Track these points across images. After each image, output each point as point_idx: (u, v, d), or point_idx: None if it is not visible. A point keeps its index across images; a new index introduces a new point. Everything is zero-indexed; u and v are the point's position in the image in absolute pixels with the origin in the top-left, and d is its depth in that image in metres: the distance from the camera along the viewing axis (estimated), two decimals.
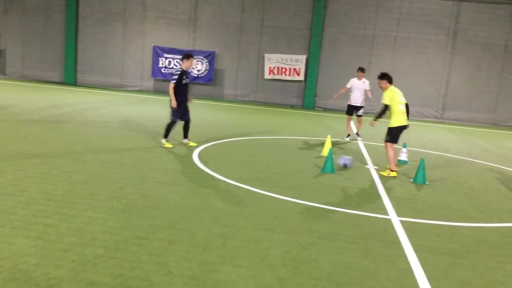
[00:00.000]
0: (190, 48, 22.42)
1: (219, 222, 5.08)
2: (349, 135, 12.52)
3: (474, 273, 4.31)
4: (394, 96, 8.36)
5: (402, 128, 8.40)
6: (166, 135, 9.26)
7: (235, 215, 5.36)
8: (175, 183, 6.55)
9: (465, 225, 5.82)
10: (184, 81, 9.12)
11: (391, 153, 8.36)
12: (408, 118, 8.60)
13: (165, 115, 14.32)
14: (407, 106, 8.57)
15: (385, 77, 8.61)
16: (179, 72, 9.10)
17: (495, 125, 21.81)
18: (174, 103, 9.03)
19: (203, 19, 22.83)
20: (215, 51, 22.47)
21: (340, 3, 21.95)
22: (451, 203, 6.82)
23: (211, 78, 22.63)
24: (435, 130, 18.00)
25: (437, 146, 12.89)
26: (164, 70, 22.37)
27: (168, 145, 9.21)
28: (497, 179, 9.04)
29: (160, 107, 16.55)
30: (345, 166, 8.58)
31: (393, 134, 8.40)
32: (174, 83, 8.99)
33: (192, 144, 9.62)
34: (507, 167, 10.33)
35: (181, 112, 9.25)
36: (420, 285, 3.96)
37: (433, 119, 22.08)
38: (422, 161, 8.04)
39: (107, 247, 4.17)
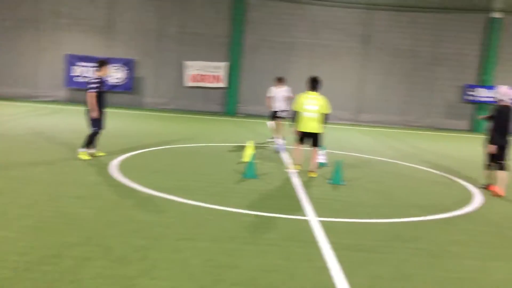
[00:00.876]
0: (107, 56, 21.76)
1: (138, 234, 4.96)
2: (273, 137, 12.95)
3: (386, 266, 4.56)
4: (301, 102, 8.68)
5: (304, 133, 8.75)
6: (86, 146, 8.90)
7: (155, 226, 5.27)
8: (90, 197, 6.31)
9: (378, 221, 6.14)
10: (102, 89, 8.87)
11: (295, 153, 9.02)
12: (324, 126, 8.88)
13: (81, 126, 13.77)
14: (326, 116, 8.73)
15: (307, 83, 8.91)
16: (98, 81, 8.76)
17: (406, 125, 23.24)
18: (95, 114, 8.73)
19: (120, 26, 22.28)
20: (133, 59, 22.01)
21: (259, 11, 22.37)
22: (366, 201, 7.17)
23: (130, 86, 22.14)
24: (352, 132, 18.83)
25: (353, 148, 13.49)
26: (79, 79, 21.52)
27: (85, 156, 8.84)
28: (407, 176, 9.63)
29: (75, 118, 15.90)
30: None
31: (297, 136, 8.88)
32: (96, 92, 8.68)
33: (100, 154, 9.25)
34: (416, 165, 11.03)
35: (101, 121, 9.00)
36: (336, 281, 4.12)
37: (350, 122, 23.10)
38: (339, 162, 8.39)
39: (17, 268, 3.93)
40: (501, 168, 8.25)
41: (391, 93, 23.18)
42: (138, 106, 22.49)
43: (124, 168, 8.29)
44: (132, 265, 4.16)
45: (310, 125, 8.64)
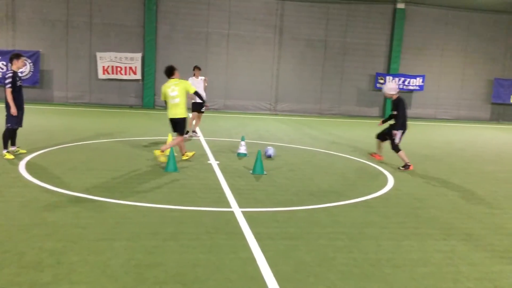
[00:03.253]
0: (10, 48, 20.29)
1: (52, 237, 4.66)
2: (191, 131, 12.69)
3: (309, 252, 4.67)
4: (165, 91, 8.83)
5: (171, 120, 8.92)
6: (5, 145, 8.49)
7: (71, 228, 4.98)
8: None
9: (300, 208, 6.27)
10: (18, 84, 8.44)
11: (175, 141, 9.06)
12: (203, 108, 9.23)
13: None
14: (197, 95, 9.14)
15: (165, 72, 8.89)
16: (11, 75, 8.31)
17: (320, 114, 24.02)
18: (14, 111, 8.33)
19: (22, 16, 20.80)
20: (39, 51, 20.69)
21: (171, 0, 21.90)
22: (287, 190, 7.30)
23: (36, 80, 20.82)
24: (270, 122, 19.11)
25: (272, 137, 13.70)
26: None
27: (9, 156, 8.39)
28: (325, 163, 9.95)
29: None
30: (269, 157, 9.69)
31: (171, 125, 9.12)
32: (10, 88, 8.25)
33: (22, 151, 8.93)
34: (333, 152, 11.44)
35: (19, 118, 8.57)
36: (262, 271, 4.15)
37: (268, 112, 23.44)
38: (258, 152, 8.46)
39: None
40: (397, 149, 9.65)
41: (305, 82, 23.80)
42: (47, 101, 21.21)
43: (34, 167, 7.78)
44: (47, 271, 3.90)
45: (174, 111, 8.84)
